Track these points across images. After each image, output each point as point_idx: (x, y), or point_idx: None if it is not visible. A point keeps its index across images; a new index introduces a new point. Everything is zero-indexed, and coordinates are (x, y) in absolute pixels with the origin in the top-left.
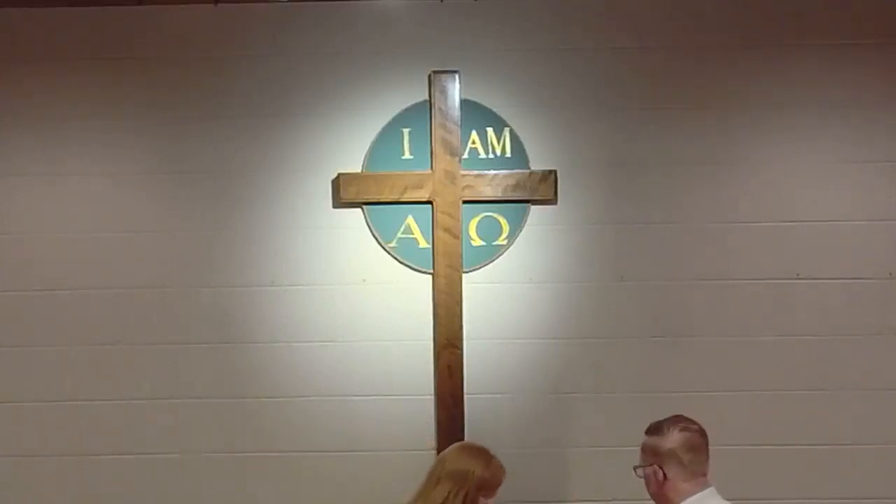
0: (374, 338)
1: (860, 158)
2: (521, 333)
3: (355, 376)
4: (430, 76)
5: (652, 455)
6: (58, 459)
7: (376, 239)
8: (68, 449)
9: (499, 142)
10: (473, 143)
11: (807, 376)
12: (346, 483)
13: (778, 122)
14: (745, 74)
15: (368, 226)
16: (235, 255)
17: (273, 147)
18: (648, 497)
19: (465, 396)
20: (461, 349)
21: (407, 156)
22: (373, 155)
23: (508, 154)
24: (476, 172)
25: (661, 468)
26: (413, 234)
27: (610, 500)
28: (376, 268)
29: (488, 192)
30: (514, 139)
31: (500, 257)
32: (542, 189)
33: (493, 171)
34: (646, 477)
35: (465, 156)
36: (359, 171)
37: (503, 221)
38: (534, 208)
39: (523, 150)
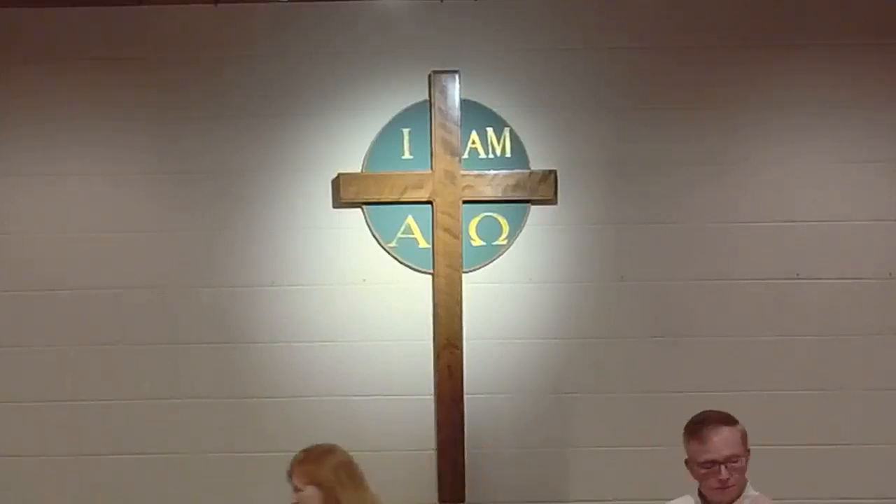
0: (374, 338)
1: (860, 158)
2: (521, 333)
3: (355, 376)
4: (430, 76)
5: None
6: (58, 459)
7: (376, 239)
8: (68, 449)
9: (499, 142)
10: (473, 143)
11: (807, 376)
12: None
13: (778, 122)
14: (745, 74)
15: (368, 226)
16: (235, 255)
17: (273, 147)
18: (648, 497)
19: (465, 396)
20: (461, 349)
21: (407, 156)
22: (373, 155)
23: (508, 154)
24: (476, 172)
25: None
26: (413, 234)
27: (610, 501)
28: (376, 268)
29: (488, 192)
30: (514, 139)
31: (500, 257)
32: (542, 189)
33: (493, 171)
34: (743, 468)
35: (465, 156)
36: (359, 171)
37: (503, 221)
38: (534, 208)
39: (523, 150)
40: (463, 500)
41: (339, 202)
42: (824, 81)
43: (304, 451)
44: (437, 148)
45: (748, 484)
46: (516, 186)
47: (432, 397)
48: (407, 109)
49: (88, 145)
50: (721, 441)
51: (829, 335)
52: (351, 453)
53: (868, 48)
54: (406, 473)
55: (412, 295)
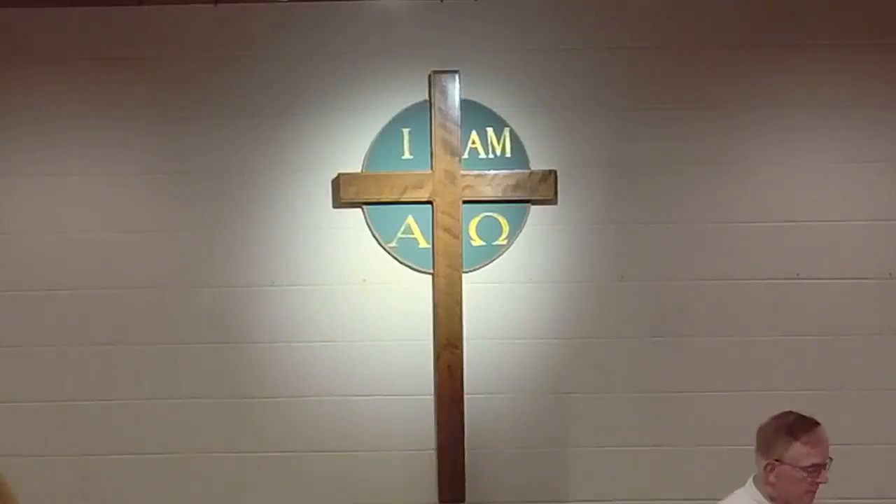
0: (374, 338)
1: (860, 158)
2: (521, 333)
3: (355, 376)
4: (430, 76)
5: None
6: (58, 459)
7: (376, 239)
8: (68, 449)
9: (499, 142)
10: (473, 143)
11: (807, 376)
12: (346, 483)
13: (778, 122)
14: (746, 74)
15: (368, 226)
16: (235, 255)
17: (273, 147)
18: (648, 497)
19: (465, 396)
20: (461, 349)
21: (407, 156)
22: (373, 155)
23: (508, 154)
24: (476, 172)
25: None
26: (413, 234)
27: (610, 501)
28: (376, 268)
29: (488, 192)
30: (514, 139)
31: (500, 257)
32: (542, 189)
33: (493, 171)
34: None
35: (465, 156)
36: (359, 171)
37: (503, 221)
38: (534, 208)
39: (523, 150)
40: (463, 500)
41: (339, 202)
42: (824, 81)
43: None
44: (437, 148)
45: None
46: (516, 186)
47: (432, 397)
48: (407, 109)
49: (88, 145)
50: (827, 442)
51: (829, 335)
52: (351, 453)
53: (868, 48)
54: (406, 473)
55: (412, 295)
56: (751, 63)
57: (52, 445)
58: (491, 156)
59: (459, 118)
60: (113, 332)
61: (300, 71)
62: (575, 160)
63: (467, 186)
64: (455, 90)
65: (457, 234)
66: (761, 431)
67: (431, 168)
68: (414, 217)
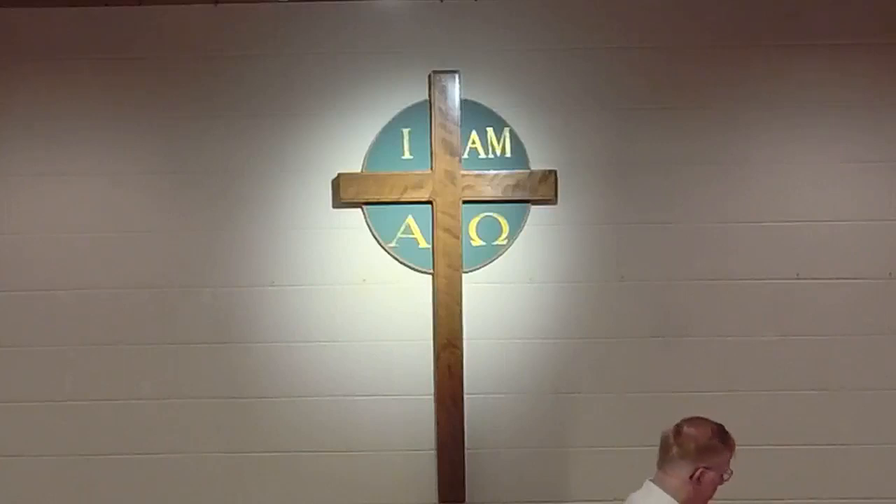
0: (374, 338)
1: (860, 158)
2: (521, 333)
3: (355, 376)
4: (430, 76)
5: None
6: (58, 459)
7: (376, 239)
8: (68, 449)
9: (499, 142)
10: (473, 143)
11: (807, 376)
12: (346, 483)
13: (778, 122)
14: (746, 74)
15: (368, 226)
16: (235, 255)
17: (273, 147)
18: None
19: (465, 396)
20: (461, 349)
21: (407, 156)
22: (373, 155)
23: (508, 154)
24: (476, 172)
25: None
26: (413, 234)
27: (610, 500)
28: (376, 268)
29: (488, 192)
30: (514, 139)
31: (500, 257)
32: (542, 189)
33: (493, 171)
34: None
35: (465, 156)
36: (359, 171)
37: (503, 221)
38: (534, 208)
39: (523, 150)
40: (463, 500)
41: (339, 202)
42: (824, 81)
43: None
44: (437, 148)
45: None
46: (516, 186)
47: (432, 397)
48: (407, 109)
49: (88, 145)
50: None
51: (829, 335)
52: (351, 453)
53: (868, 48)
54: (406, 473)
55: (412, 295)
56: (751, 63)
57: (52, 445)
58: (491, 156)
59: (459, 118)
60: (113, 332)
61: (300, 71)
62: (575, 160)
63: (467, 186)
64: (455, 90)
65: (457, 234)
66: (692, 439)
67: (431, 168)
68: (414, 217)
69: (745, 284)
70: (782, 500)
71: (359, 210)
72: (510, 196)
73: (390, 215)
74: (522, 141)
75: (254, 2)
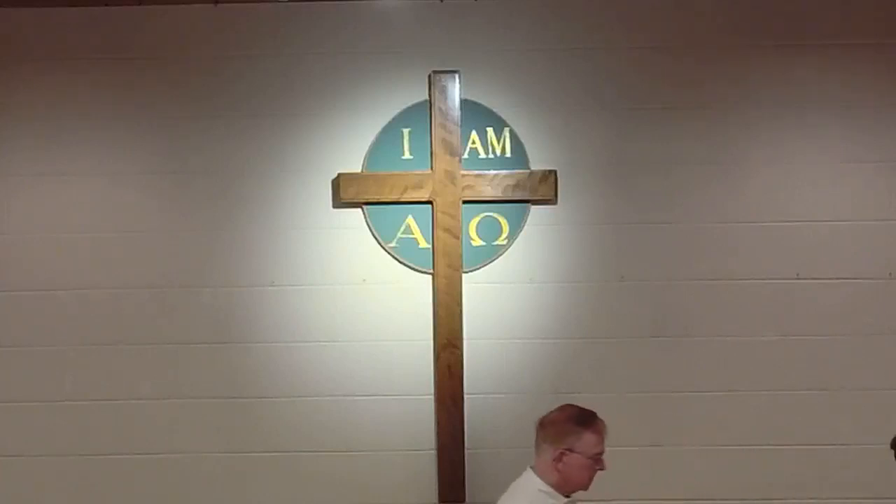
0: (374, 338)
1: (860, 158)
2: (521, 333)
3: (355, 376)
4: (430, 76)
5: None
6: (58, 459)
7: (376, 239)
8: (68, 449)
9: (499, 142)
10: (473, 143)
11: (807, 376)
12: (346, 483)
13: (778, 122)
14: (746, 74)
15: (368, 226)
16: (235, 255)
17: (273, 147)
18: (648, 497)
19: (465, 396)
20: (461, 349)
21: (407, 156)
22: (373, 155)
23: (508, 154)
24: (476, 172)
25: None
26: (413, 234)
27: (610, 501)
28: (376, 268)
29: (488, 192)
30: (514, 139)
31: (500, 257)
32: (542, 189)
33: (493, 171)
34: None
35: (465, 156)
36: (359, 171)
37: (503, 221)
38: (534, 208)
39: (523, 150)
40: (463, 500)
41: (339, 202)
42: (824, 81)
43: None
44: (437, 148)
45: None
46: (516, 186)
47: (432, 397)
48: (407, 109)
49: (88, 145)
50: (607, 432)
51: (829, 335)
52: (351, 453)
53: (868, 48)
54: (406, 473)
55: (412, 295)
56: (751, 63)
57: (52, 445)
58: (491, 156)
59: (459, 118)
60: (113, 332)
61: (300, 71)
62: (575, 160)
63: (467, 186)
64: (455, 90)
65: (457, 234)
66: (551, 423)
67: (431, 168)
68: (414, 217)
69: (745, 284)
70: (782, 500)
71: (359, 210)
72: (510, 196)
73: (390, 215)
74: (522, 141)
75: (254, 2)
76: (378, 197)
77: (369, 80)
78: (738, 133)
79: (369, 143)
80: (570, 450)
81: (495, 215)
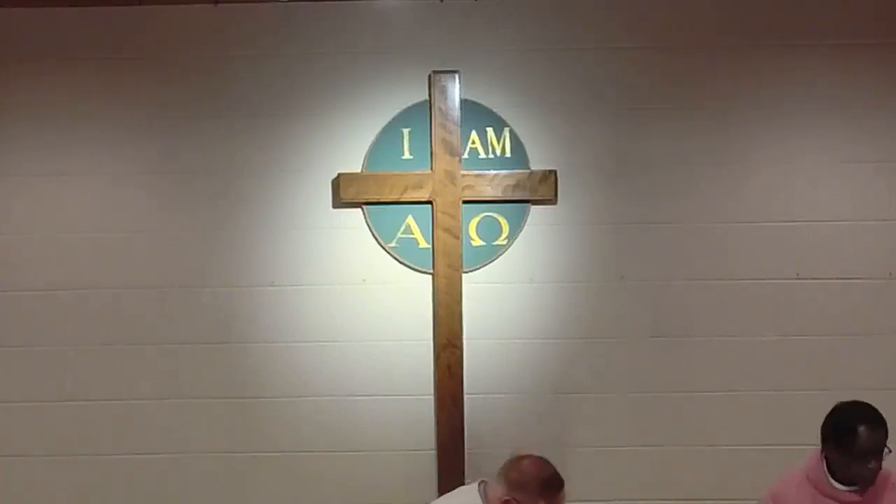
0: (374, 338)
1: (860, 158)
2: (521, 333)
3: (355, 376)
4: (430, 76)
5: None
6: (58, 459)
7: (376, 239)
8: (68, 449)
9: (499, 142)
10: (473, 143)
11: (807, 376)
12: (346, 483)
13: (778, 122)
14: (746, 74)
15: (368, 226)
16: (235, 255)
17: (273, 147)
18: (648, 497)
19: (465, 396)
20: (461, 349)
21: (407, 156)
22: (373, 155)
23: (508, 154)
24: (476, 172)
25: None
26: (413, 234)
27: (610, 500)
28: (376, 268)
29: (488, 192)
30: (514, 139)
31: (500, 257)
32: (542, 189)
33: (493, 171)
34: None
35: (465, 156)
36: (359, 171)
37: (503, 221)
38: (534, 208)
39: (523, 150)
40: None
41: (339, 202)
42: (824, 81)
43: None
44: (437, 148)
45: None
46: (516, 186)
47: (432, 397)
48: (407, 109)
49: (88, 145)
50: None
51: (829, 335)
52: (351, 453)
53: (868, 48)
54: (406, 473)
55: (412, 295)
56: (751, 63)
57: (52, 445)
58: (491, 156)
59: (459, 118)
60: (113, 332)
61: (300, 71)
62: (575, 160)
63: (467, 186)
64: (455, 90)
65: (457, 234)
66: (519, 470)
67: (431, 168)
68: (414, 217)
69: (745, 284)
70: None
71: (359, 210)
72: (510, 196)
73: (390, 215)
74: (522, 141)
75: (254, 2)
76: (378, 197)
77: (369, 80)
78: (738, 133)
79: (369, 143)
80: (518, 501)
81: (495, 215)
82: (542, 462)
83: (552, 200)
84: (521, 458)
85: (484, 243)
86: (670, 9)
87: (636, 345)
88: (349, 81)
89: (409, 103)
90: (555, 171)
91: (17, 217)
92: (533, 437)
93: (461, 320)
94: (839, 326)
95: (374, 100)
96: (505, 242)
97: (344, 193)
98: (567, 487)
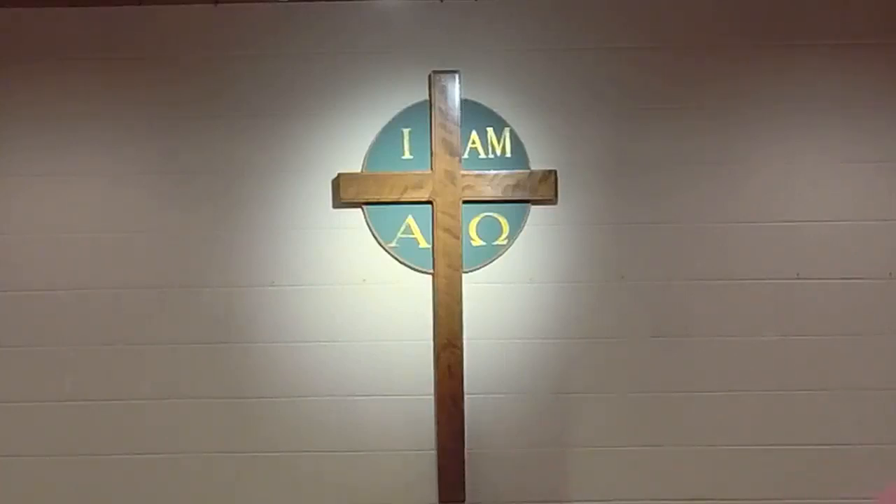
0: (374, 338)
1: (860, 158)
2: (521, 333)
3: (355, 376)
4: (430, 76)
5: None
6: (58, 459)
7: (376, 239)
8: (68, 449)
9: (499, 142)
10: (473, 143)
11: (807, 376)
12: (346, 483)
13: (778, 122)
14: (746, 74)
15: (368, 226)
16: (235, 255)
17: (273, 147)
18: (648, 497)
19: (465, 396)
20: (461, 349)
21: (407, 156)
22: (373, 155)
23: (508, 154)
24: (476, 172)
25: None
26: (413, 234)
27: (610, 500)
28: (376, 268)
29: (488, 192)
30: (514, 139)
31: (500, 257)
32: (542, 189)
33: (493, 171)
34: None
35: (465, 156)
36: (359, 171)
37: (503, 221)
38: (534, 208)
39: (523, 150)
40: (463, 500)
41: (339, 202)
42: (824, 81)
43: None
44: (437, 148)
45: None
46: (516, 186)
47: (432, 397)
48: (407, 109)
49: (88, 145)
50: None
51: (829, 335)
52: (351, 453)
53: (868, 48)
54: (406, 473)
55: (412, 295)
56: (751, 63)
57: (52, 445)
58: (491, 156)
59: (459, 118)
60: (113, 332)
61: (300, 71)
62: (575, 160)
63: (467, 186)
64: (455, 90)
65: (457, 234)
66: None
67: (431, 168)
68: (414, 217)
69: (745, 284)
70: (782, 500)
71: (359, 210)
72: (510, 196)
73: (390, 215)
74: (522, 141)
75: (254, 2)
76: (378, 197)
77: (369, 80)
78: (738, 133)
79: (369, 143)
80: None
81: (495, 215)
82: None
83: (552, 200)
84: None
85: (484, 243)
86: (670, 9)
87: (636, 345)
88: (349, 81)
89: (409, 103)
90: (555, 171)
91: (17, 217)
92: (533, 437)
93: (461, 320)
94: (839, 326)
95: (374, 100)
96: (505, 242)
97: (344, 193)
98: (567, 487)
